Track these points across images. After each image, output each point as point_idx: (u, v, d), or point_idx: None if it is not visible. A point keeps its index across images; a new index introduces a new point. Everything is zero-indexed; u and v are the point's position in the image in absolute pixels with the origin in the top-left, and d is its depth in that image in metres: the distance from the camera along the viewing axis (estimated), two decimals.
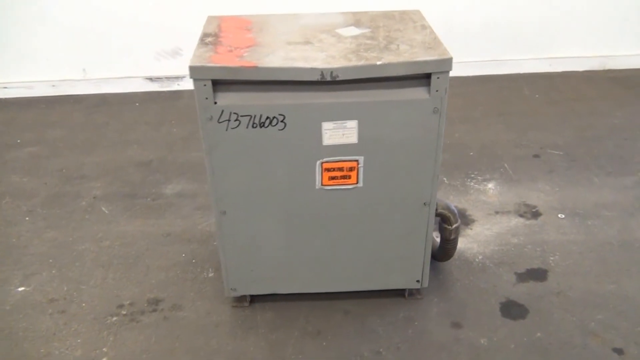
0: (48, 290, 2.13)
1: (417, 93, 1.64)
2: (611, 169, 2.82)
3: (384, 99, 1.63)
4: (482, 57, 3.79)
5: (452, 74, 1.61)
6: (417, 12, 1.95)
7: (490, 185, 2.71)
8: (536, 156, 2.95)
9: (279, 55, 1.63)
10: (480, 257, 2.26)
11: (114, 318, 2.01)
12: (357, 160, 1.73)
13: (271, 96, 1.62)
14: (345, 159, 1.73)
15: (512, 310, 2.03)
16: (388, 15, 1.92)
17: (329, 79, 1.58)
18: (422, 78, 1.63)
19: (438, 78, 1.60)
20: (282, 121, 1.65)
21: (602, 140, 3.08)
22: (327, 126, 1.66)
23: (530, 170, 2.83)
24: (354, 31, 1.79)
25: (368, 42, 1.71)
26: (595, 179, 2.75)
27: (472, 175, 2.79)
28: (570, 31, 3.76)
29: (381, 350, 1.88)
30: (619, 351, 1.86)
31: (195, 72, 1.57)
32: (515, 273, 2.19)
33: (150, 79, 3.68)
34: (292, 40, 1.73)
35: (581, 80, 3.74)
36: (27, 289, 2.14)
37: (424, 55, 1.60)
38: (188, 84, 3.63)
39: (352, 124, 1.66)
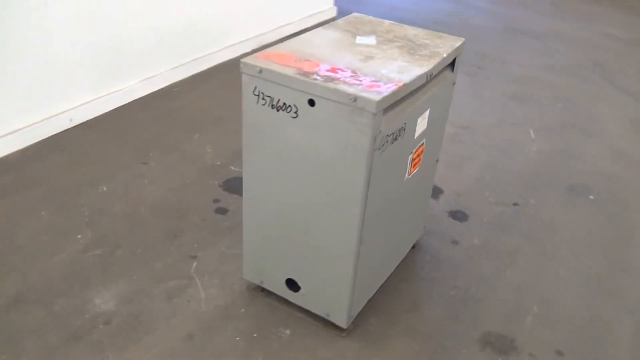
0: None
1: (448, 73, 2.05)
2: None
3: (439, 85, 1.98)
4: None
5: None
6: (361, 16, 2.23)
7: None
8: None
9: (389, 69, 1.73)
10: None
11: None
12: (423, 143, 2.03)
13: (401, 109, 1.73)
14: (420, 144, 2.00)
15: (459, 216, 2.74)
16: (350, 22, 2.14)
17: (429, 78, 1.82)
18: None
19: (458, 58, 2.06)
20: (404, 129, 1.79)
21: None
22: (419, 120, 1.90)
23: None
24: (371, 40, 1.98)
25: (399, 44, 1.96)
26: None
27: None
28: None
29: (456, 284, 2.31)
30: (516, 204, 2.87)
31: (379, 105, 1.54)
32: None
33: None
34: (361, 58, 1.81)
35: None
36: None
37: (453, 43, 2.01)
38: None
39: (427, 113, 1.95)
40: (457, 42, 2.03)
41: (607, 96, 4.21)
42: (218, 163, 3.01)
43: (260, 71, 1.68)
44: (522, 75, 4.48)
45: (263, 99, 1.72)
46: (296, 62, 1.72)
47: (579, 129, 3.69)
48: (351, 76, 1.66)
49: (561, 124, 3.74)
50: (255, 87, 1.72)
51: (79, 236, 2.41)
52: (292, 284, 2.03)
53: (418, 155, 2.01)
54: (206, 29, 4.05)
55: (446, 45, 1.99)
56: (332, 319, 1.99)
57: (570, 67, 4.72)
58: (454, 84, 2.11)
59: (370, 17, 2.21)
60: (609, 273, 2.44)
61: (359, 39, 1.98)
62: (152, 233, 2.46)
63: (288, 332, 2.02)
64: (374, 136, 1.60)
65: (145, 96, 3.66)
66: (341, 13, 5.66)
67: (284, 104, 1.69)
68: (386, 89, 1.60)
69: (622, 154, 3.42)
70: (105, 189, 2.73)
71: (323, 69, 1.69)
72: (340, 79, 1.64)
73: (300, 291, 2.01)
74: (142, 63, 3.61)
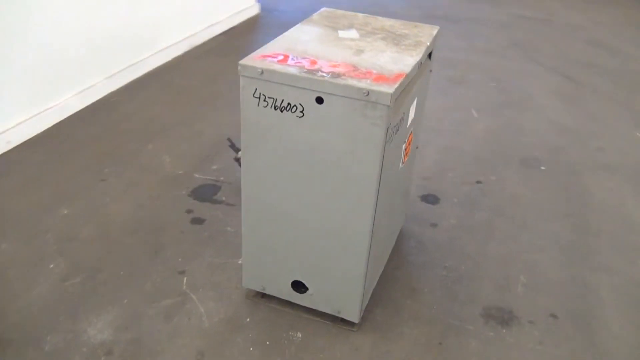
0: None
1: (427, 61, 2.09)
2: None
3: (423, 74, 2.02)
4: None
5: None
6: (333, 11, 2.22)
7: None
8: None
9: (384, 61, 1.74)
10: None
11: None
12: (412, 131, 2.07)
13: (401, 99, 1.75)
14: (410, 133, 2.03)
15: (431, 199, 2.82)
16: (326, 17, 2.12)
17: (419, 67, 1.86)
18: None
19: (434, 47, 2.11)
20: (403, 119, 1.81)
21: None
22: (411, 108, 1.93)
23: None
24: (353, 33, 1.98)
25: (381, 36, 1.98)
26: None
27: None
28: None
29: (445, 265, 2.38)
30: (479, 182, 2.99)
31: (393, 97, 1.54)
32: None
33: None
34: (352, 52, 1.80)
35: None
36: None
37: (431, 32, 2.06)
38: None
39: (416, 101, 1.99)
40: (434, 30, 2.08)
41: (531, 72, 4.49)
42: (180, 172, 2.90)
43: (262, 72, 1.63)
44: (452, 58, 4.66)
45: (265, 100, 1.67)
46: (294, 61, 1.69)
47: (514, 104, 3.91)
48: (353, 70, 1.66)
49: (498, 101, 3.94)
50: (256, 89, 1.67)
51: (52, 265, 2.24)
52: (298, 286, 2.00)
53: (409, 144, 2.04)
54: (137, 33, 3.87)
55: (426, 34, 2.03)
56: (343, 316, 1.99)
57: (493, 48, 4.98)
58: (430, 71, 2.16)
59: (343, 11, 2.21)
60: (576, 236, 2.61)
61: (342, 33, 1.97)
62: (131, 253, 2.33)
63: (299, 334, 2.00)
64: (387, 128, 1.61)
65: (84, 109, 3.44)
66: (264, 10, 5.60)
67: (289, 104, 1.65)
68: (394, 81, 1.61)
69: (558, 124, 3.66)
70: (66, 212, 2.55)
71: (324, 66, 1.67)
72: (345, 74, 1.63)
73: (308, 292, 1.99)
74: (76, 74, 3.39)
